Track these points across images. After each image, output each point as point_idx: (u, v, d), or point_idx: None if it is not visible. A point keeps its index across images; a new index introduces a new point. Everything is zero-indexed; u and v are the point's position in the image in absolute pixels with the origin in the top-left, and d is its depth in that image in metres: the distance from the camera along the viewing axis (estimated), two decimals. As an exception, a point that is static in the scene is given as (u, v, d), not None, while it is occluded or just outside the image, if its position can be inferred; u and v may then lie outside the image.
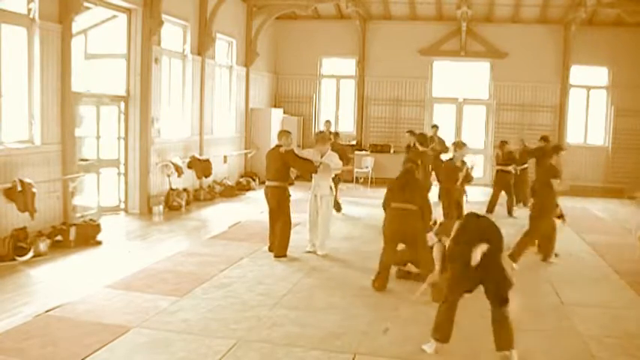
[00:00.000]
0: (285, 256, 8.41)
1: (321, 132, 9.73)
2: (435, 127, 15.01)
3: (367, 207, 12.76)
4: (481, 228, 5.25)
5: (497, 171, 13.12)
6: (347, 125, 18.39)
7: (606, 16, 16.10)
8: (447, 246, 5.44)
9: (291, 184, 9.10)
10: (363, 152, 17.22)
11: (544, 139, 13.50)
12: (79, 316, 5.85)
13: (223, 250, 8.78)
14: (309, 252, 8.77)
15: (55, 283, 6.98)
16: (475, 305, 5.64)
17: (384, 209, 7.24)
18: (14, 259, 7.66)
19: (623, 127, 16.46)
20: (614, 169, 16.55)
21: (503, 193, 12.76)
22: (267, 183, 8.68)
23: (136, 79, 11.06)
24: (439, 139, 14.60)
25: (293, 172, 8.86)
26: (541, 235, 8.83)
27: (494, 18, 17.04)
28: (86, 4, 9.56)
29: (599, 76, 16.99)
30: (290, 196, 8.62)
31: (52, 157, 8.95)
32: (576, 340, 5.71)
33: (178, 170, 12.02)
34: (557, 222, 9.03)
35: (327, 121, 14.92)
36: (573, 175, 14.03)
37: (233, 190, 14.27)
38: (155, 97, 11.53)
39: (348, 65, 18.24)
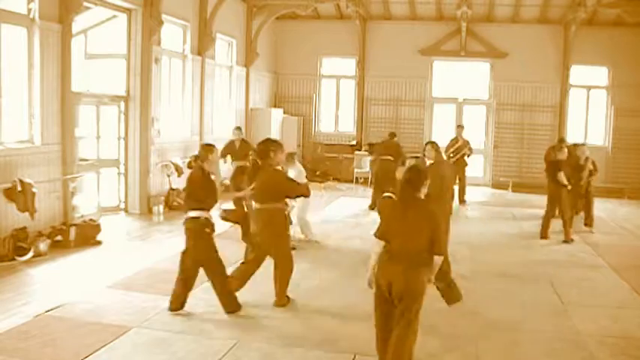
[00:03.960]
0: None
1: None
2: (460, 127, 14.71)
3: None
4: None
5: None
6: (347, 125, 18.40)
7: (606, 16, 16.09)
8: None
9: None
10: (363, 152, 17.22)
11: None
12: (79, 316, 5.85)
13: (223, 250, 8.72)
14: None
15: (55, 283, 6.98)
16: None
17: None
18: (14, 259, 7.66)
19: (623, 127, 16.46)
20: (614, 169, 16.53)
21: None
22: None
23: (136, 79, 11.06)
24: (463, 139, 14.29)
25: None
26: None
27: (494, 18, 17.03)
28: (86, 4, 9.57)
29: (599, 76, 16.99)
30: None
31: (52, 157, 8.95)
32: (576, 340, 5.71)
33: (178, 170, 12.01)
34: None
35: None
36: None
37: (233, 190, 14.25)
38: (155, 97, 11.53)
39: (348, 65, 18.24)
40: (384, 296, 4.52)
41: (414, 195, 4.53)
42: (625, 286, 7.66)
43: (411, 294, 4.38)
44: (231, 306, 6.06)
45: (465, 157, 14.09)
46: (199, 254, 5.98)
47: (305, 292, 6.97)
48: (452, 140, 14.26)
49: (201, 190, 5.99)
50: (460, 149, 13.92)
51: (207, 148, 6.20)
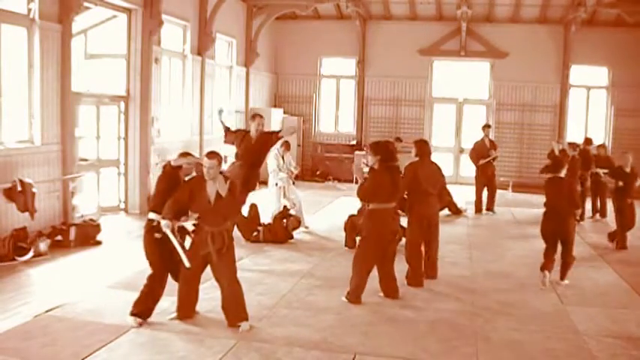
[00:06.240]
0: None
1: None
2: (487, 126, 13.53)
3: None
4: None
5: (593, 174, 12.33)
6: (347, 125, 18.41)
7: (606, 16, 16.10)
8: None
9: None
10: (363, 152, 17.21)
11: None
12: (79, 316, 5.85)
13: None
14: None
15: (55, 283, 6.98)
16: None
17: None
18: (14, 259, 7.66)
19: (623, 127, 16.46)
20: (614, 169, 16.52)
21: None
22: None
23: (136, 79, 11.06)
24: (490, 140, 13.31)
25: None
26: None
27: (494, 18, 17.04)
28: (86, 4, 9.57)
29: (599, 76, 16.99)
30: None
31: (52, 157, 8.95)
32: (576, 340, 5.71)
33: (179, 170, 11.99)
34: None
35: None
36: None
37: (233, 190, 14.23)
38: (155, 97, 11.52)
39: (348, 65, 18.24)
40: (550, 235, 7.52)
41: (557, 175, 7.58)
42: (625, 286, 7.66)
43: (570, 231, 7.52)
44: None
45: (493, 162, 12.99)
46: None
47: (305, 291, 6.98)
48: (476, 143, 13.15)
49: None
50: (486, 153, 12.85)
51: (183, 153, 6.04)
